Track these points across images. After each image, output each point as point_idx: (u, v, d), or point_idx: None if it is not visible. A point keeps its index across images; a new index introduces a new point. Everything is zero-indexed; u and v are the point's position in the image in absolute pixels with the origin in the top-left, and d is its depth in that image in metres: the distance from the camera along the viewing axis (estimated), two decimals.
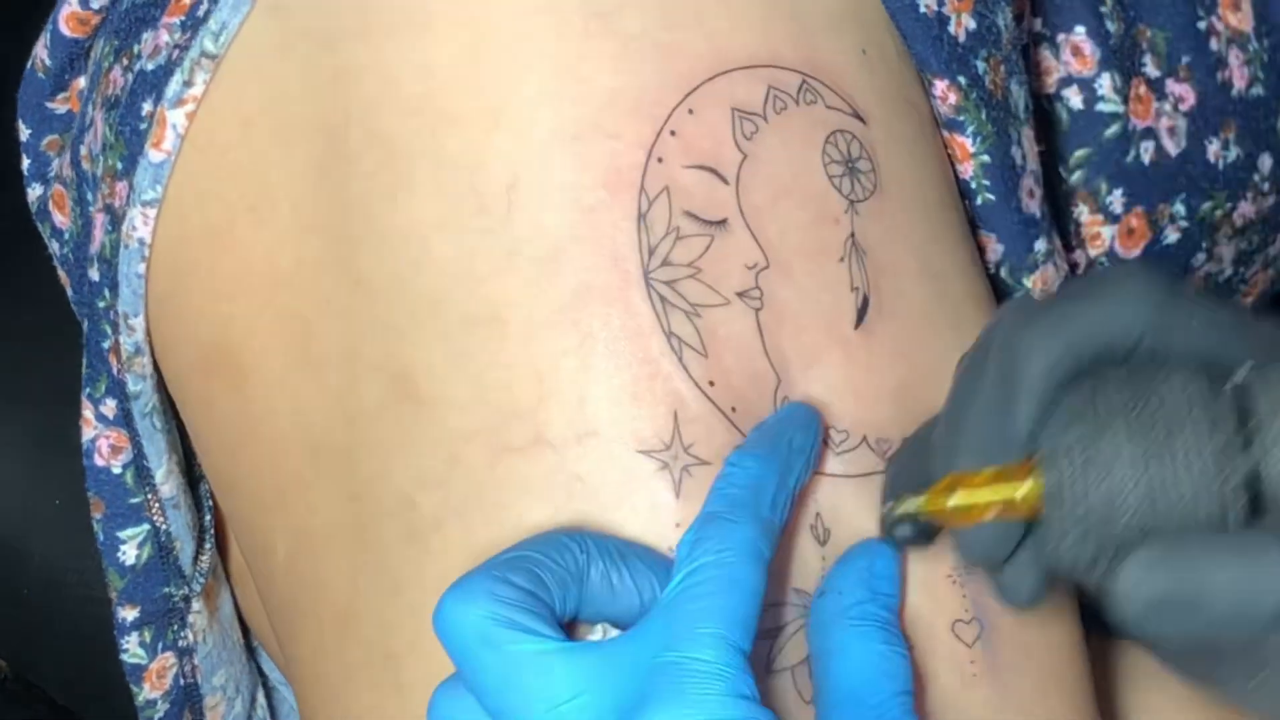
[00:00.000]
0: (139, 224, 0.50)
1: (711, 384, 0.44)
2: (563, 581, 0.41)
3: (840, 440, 0.45)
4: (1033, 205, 0.54)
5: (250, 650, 0.64)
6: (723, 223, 0.45)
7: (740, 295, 0.45)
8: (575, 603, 0.41)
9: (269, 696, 0.66)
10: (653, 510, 0.43)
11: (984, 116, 0.52)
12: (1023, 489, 0.39)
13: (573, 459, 0.44)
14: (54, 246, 0.61)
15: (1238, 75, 0.64)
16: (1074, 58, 0.61)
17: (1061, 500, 0.39)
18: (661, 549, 0.43)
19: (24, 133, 0.61)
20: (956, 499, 0.40)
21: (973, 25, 0.52)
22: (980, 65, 0.52)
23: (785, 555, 0.44)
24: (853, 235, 0.47)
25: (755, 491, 0.42)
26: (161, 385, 0.53)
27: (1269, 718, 0.40)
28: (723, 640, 0.39)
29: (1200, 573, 0.37)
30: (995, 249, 0.54)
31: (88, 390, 0.54)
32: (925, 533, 0.44)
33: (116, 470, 0.54)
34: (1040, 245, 0.54)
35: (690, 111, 0.46)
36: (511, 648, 0.39)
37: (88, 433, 0.54)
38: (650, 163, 0.45)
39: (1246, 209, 0.65)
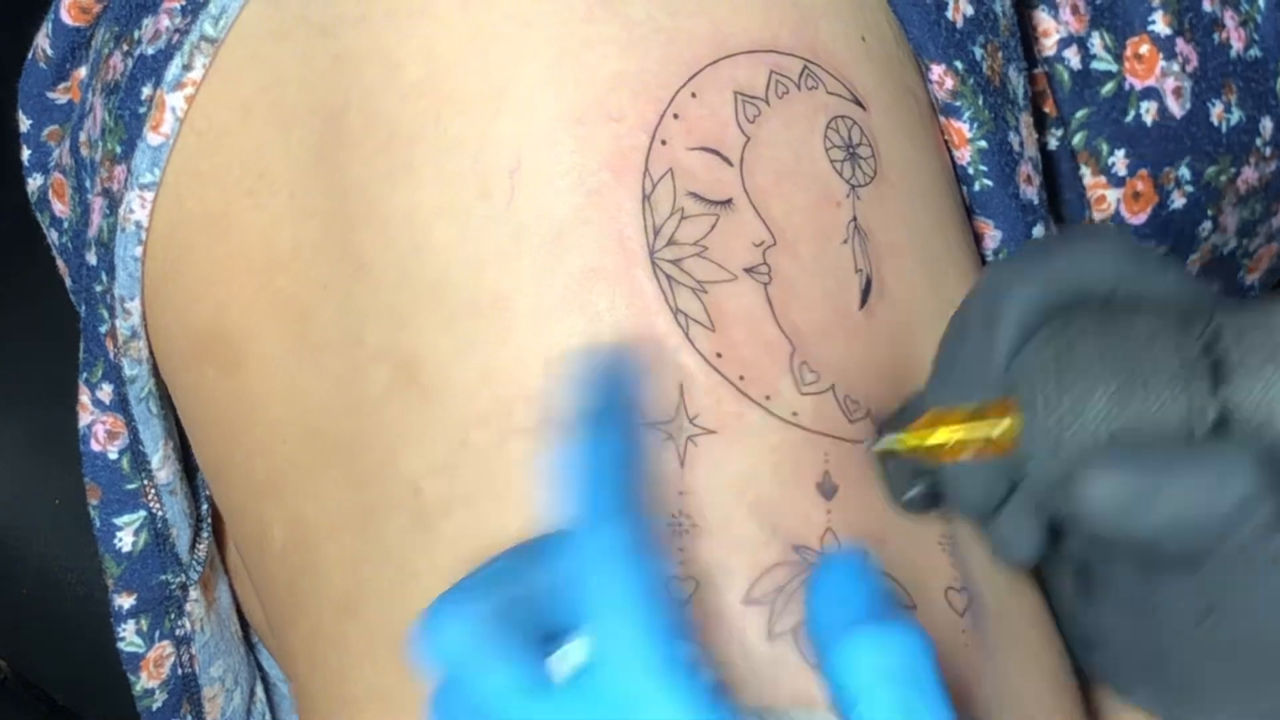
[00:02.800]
0: (136, 207, 0.50)
1: (719, 355, 0.44)
2: (536, 595, 0.37)
3: (853, 409, 0.45)
4: (1030, 192, 0.54)
5: (249, 644, 0.64)
6: (728, 203, 0.45)
7: (748, 271, 0.45)
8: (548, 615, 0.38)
9: (268, 692, 0.65)
10: (658, 480, 0.43)
11: (981, 102, 0.52)
12: (1001, 425, 0.41)
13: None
14: (53, 236, 0.61)
15: (1235, 36, 0.64)
16: (1072, 17, 0.61)
17: (1034, 410, 0.40)
18: (664, 518, 0.43)
19: (24, 123, 0.61)
20: (936, 436, 0.41)
21: (970, 11, 0.52)
22: (978, 51, 0.52)
23: (786, 512, 0.44)
24: (854, 219, 0.47)
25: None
26: (158, 370, 0.53)
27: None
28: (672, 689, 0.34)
29: (1159, 473, 0.38)
30: (993, 235, 0.54)
31: (84, 375, 0.54)
32: (933, 498, 0.45)
33: (113, 456, 0.54)
34: (1038, 232, 0.54)
35: (693, 95, 0.46)
36: (487, 681, 0.35)
37: (84, 418, 0.54)
38: (654, 145, 0.45)
39: (1250, 175, 0.65)
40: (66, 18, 0.57)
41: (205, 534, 0.58)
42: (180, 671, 0.58)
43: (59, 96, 0.60)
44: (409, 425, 0.45)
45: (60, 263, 0.62)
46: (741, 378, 0.44)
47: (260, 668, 0.65)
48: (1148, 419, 0.39)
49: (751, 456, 0.44)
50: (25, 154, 0.62)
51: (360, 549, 0.46)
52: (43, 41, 0.59)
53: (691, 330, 0.44)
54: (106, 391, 0.54)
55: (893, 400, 0.46)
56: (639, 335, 0.44)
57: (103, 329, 0.53)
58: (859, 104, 0.48)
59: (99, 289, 0.52)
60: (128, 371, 0.52)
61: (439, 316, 0.45)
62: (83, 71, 0.59)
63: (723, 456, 0.44)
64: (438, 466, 0.45)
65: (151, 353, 0.53)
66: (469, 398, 0.44)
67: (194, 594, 0.58)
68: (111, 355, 0.53)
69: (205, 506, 0.58)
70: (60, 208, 0.60)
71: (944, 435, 0.41)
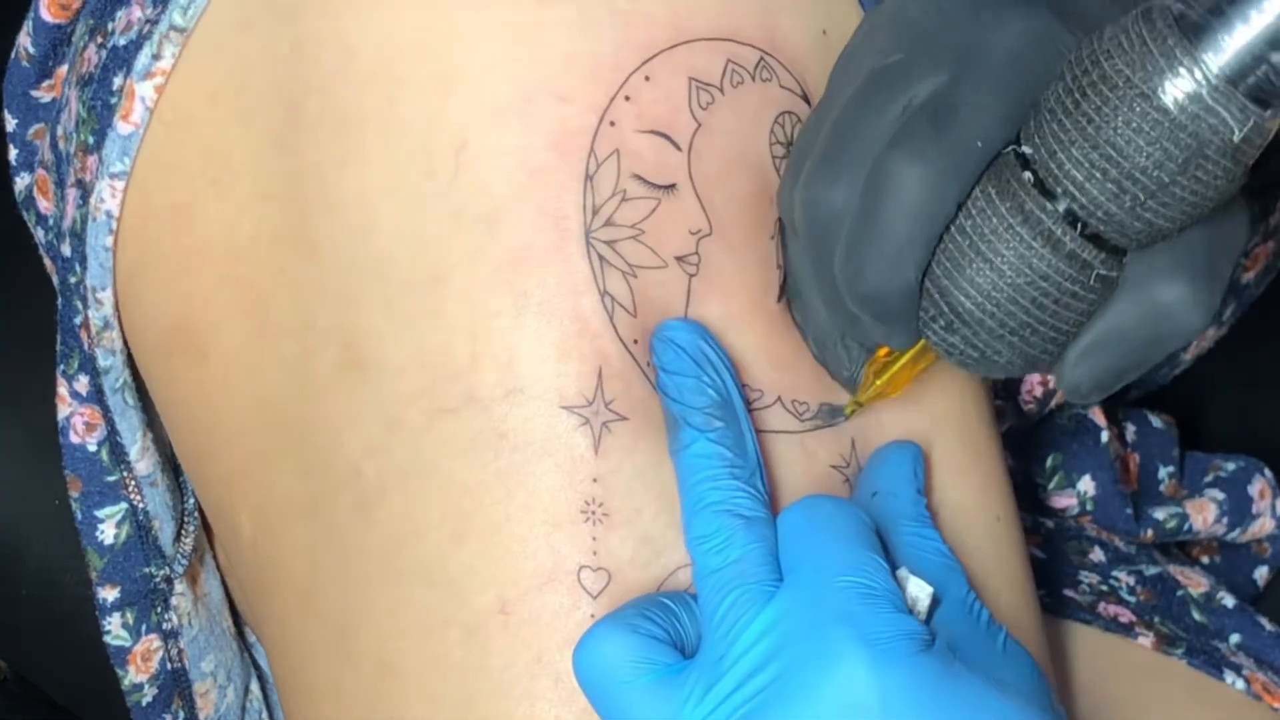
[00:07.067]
0: (107, 196, 0.50)
1: (635, 342, 0.45)
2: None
3: (755, 399, 0.46)
4: None
5: (244, 642, 0.64)
6: (671, 187, 0.45)
7: (679, 260, 0.45)
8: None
9: (266, 690, 0.65)
10: (571, 465, 0.44)
11: None
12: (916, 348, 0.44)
13: (499, 416, 0.44)
14: (39, 234, 0.61)
15: None
16: None
17: None
18: (578, 503, 0.44)
19: (10, 122, 0.61)
20: (883, 379, 0.45)
21: None
22: None
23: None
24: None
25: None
26: (132, 361, 0.53)
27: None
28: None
29: None
30: None
31: (61, 367, 0.54)
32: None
33: (92, 448, 0.54)
34: None
35: (647, 78, 0.46)
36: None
37: (62, 410, 0.54)
38: (602, 126, 0.45)
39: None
40: (46, 15, 0.57)
41: (192, 527, 0.58)
42: (169, 666, 0.58)
43: (43, 95, 0.60)
44: (350, 407, 0.45)
45: (47, 261, 0.62)
46: (649, 364, 0.44)
47: (257, 665, 0.65)
48: None
49: (657, 447, 0.44)
50: (12, 153, 0.62)
51: (313, 536, 0.46)
52: (25, 40, 0.59)
53: (616, 314, 0.44)
54: (83, 383, 0.54)
55: (809, 386, 0.47)
56: (564, 315, 0.44)
57: (77, 320, 0.53)
58: (807, 101, 0.48)
59: (73, 280, 0.52)
60: (102, 363, 0.53)
61: (379, 295, 0.45)
62: (65, 69, 0.59)
63: (633, 445, 0.44)
64: (373, 448, 0.45)
65: (126, 344, 0.53)
66: (399, 377, 0.45)
67: (180, 587, 0.58)
68: (86, 346, 0.53)
69: (191, 500, 0.58)
70: (45, 205, 0.60)
71: (888, 376, 0.45)
